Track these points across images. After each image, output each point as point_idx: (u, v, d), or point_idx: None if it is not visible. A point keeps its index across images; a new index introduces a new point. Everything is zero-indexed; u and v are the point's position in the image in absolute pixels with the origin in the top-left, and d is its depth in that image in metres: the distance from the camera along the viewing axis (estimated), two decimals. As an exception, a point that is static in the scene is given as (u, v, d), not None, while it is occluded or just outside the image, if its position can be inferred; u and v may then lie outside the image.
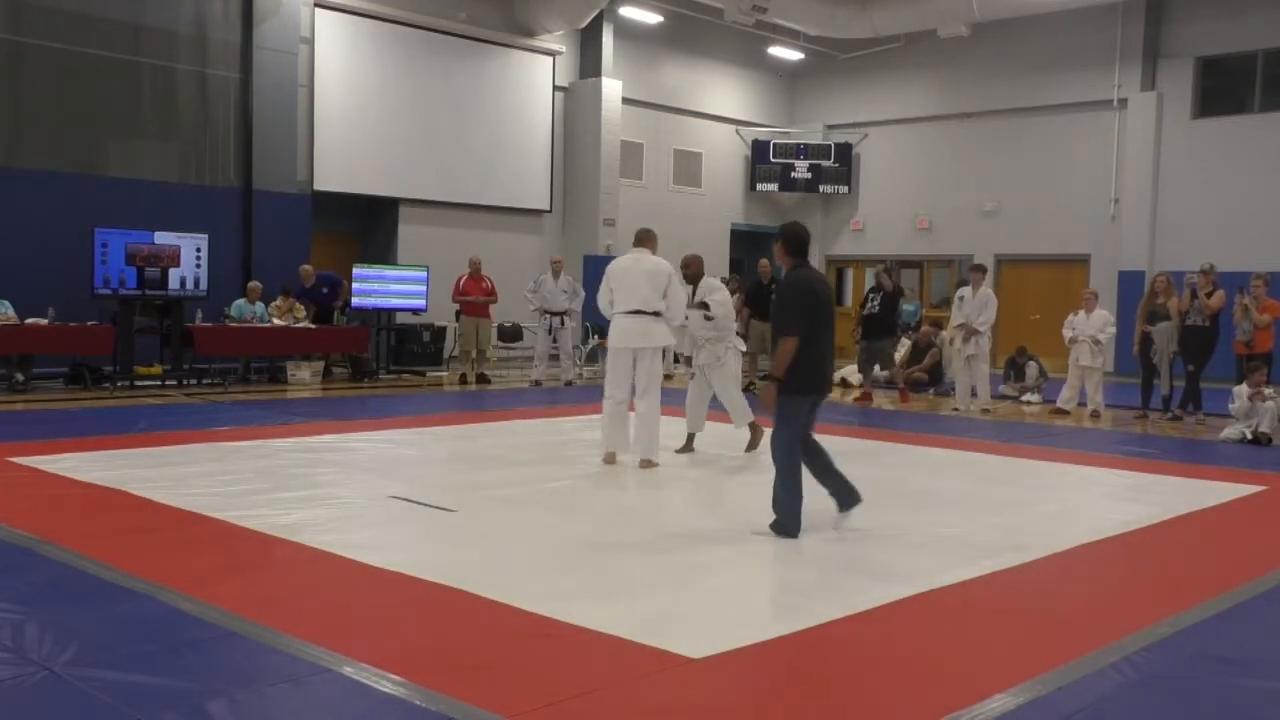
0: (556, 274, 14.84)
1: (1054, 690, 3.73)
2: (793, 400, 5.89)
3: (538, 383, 14.55)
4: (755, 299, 14.29)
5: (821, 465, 6.13)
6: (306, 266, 14.74)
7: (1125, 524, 6.53)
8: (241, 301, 13.69)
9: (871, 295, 13.91)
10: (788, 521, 5.93)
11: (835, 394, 13.23)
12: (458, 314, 14.88)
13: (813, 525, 6.31)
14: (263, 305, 13.82)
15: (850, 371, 14.93)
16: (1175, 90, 18.02)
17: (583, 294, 15.33)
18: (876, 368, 14.36)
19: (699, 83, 20.93)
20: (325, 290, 14.60)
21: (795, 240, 6.10)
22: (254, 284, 13.90)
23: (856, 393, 14.03)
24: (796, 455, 5.97)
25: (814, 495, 6.03)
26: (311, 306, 14.45)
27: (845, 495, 6.12)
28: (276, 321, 13.77)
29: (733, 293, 14.38)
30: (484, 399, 13.10)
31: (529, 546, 5.64)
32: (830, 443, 9.15)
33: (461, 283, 14.63)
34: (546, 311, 14.70)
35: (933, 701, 3.60)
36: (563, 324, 14.79)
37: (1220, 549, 6.21)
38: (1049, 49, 18.94)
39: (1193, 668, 4.05)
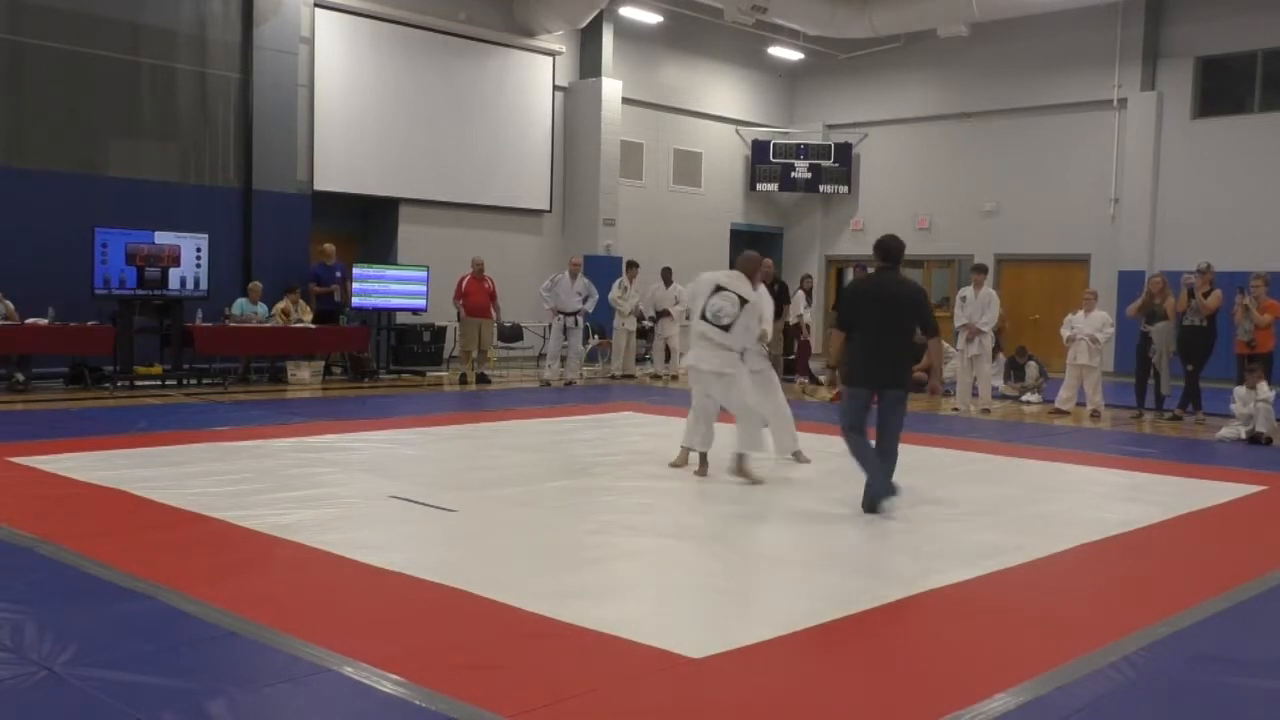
0: (574, 275, 14.86)
1: (1054, 690, 3.73)
2: (845, 390, 6.82)
3: (547, 383, 14.53)
4: None
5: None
6: (329, 246, 14.95)
7: (1125, 524, 6.53)
8: (243, 300, 13.71)
9: None
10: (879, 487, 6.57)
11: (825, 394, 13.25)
12: (459, 313, 14.88)
13: (812, 526, 6.31)
14: (265, 305, 13.83)
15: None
16: (1175, 90, 18.02)
17: (596, 296, 15.30)
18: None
19: (699, 83, 20.92)
20: (339, 274, 14.75)
21: (879, 248, 6.81)
22: (255, 284, 13.92)
23: (829, 394, 13.86)
24: (848, 436, 6.66)
25: (806, 497, 6.02)
26: (316, 294, 14.62)
27: (875, 486, 6.56)
28: (281, 314, 13.83)
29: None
30: (484, 399, 13.10)
31: (530, 546, 5.64)
32: (828, 442, 9.18)
33: (464, 283, 14.63)
34: (560, 312, 14.72)
35: (933, 701, 3.61)
36: (576, 324, 14.82)
37: (1220, 549, 6.21)
38: (1049, 49, 18.93)
39: (1193, 668, 4.05)
